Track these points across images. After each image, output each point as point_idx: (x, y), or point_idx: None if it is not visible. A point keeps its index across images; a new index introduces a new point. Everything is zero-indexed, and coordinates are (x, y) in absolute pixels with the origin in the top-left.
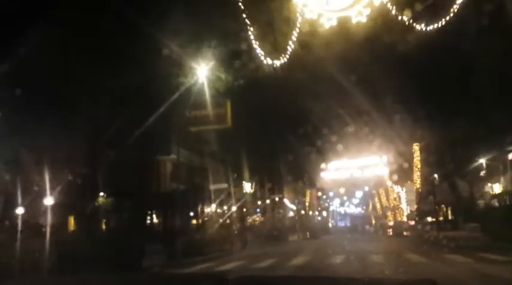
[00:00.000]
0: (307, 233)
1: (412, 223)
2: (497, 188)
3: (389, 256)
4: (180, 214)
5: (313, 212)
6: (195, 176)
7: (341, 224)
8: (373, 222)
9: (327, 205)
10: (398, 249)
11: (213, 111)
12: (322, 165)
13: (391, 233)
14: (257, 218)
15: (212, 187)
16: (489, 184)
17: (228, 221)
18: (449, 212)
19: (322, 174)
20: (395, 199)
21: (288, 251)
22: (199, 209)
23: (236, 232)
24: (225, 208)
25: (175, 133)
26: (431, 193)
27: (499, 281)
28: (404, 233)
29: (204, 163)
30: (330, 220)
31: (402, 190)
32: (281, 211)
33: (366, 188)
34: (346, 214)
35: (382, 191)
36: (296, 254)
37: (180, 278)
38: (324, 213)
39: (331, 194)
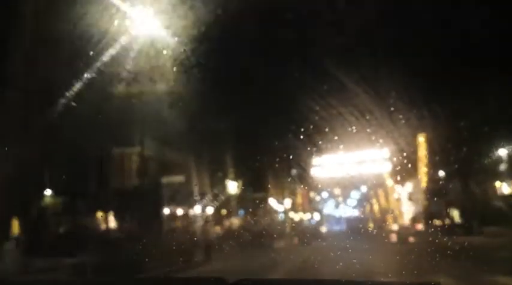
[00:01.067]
0: (296, 239)
1: (420, 226)
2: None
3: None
4: (141, 216)
5: (305, 214)
6: (167, 172)
7: (336, 228)
8: (371, 226)
9: (321, 207)
10: (416, 265)
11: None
12: (315, 160)
13: (392, 240)
14: (237, 222)
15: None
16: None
17: (199, 224)
18: (455, 214)
19: (315, 171)
20: (396, 200)
21: (264, 266)
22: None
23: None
24: (203, 209)
25: (140, 121)
26: (439, 191)
27: None
28: (410, 239)
29: (178, 158)
30: (324, 223)
31: (402, 189)
32: (268, 213)
33: (364, 189)
34: (341, 218)
35: (381, 192)
36: (273, 271)
37: (179, 281)
38: (317, 215)
39: (325, 195)
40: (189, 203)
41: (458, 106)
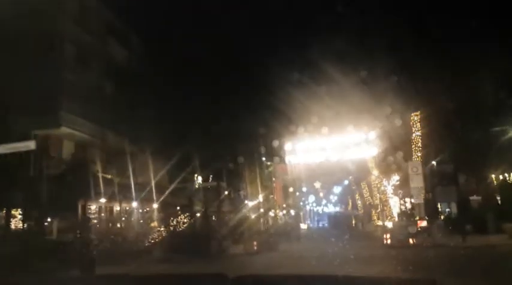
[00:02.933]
0: (254, 244)
1: (424, 223)
2: None
3: None
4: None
5: (279, 210)
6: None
7: (319, 225)
8: (353, 223)
9: (301, 202)
10: None
11: None
12: (287, 146)
13: (388, 241)
14: (185, 221)
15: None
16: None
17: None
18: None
19: (289, 158)
20: (383, 192)
21: None
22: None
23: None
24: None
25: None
26: (441, 179)
27: None
28: (411, 242)
29: (125, 145)
30: (305, 220)
31: (389, 182)
32: (233, 210)
33: (346, 182)
34: (324, 214)
35: (364, 184)
36: None
37: (180, 277)
38: (297, 212)
39: (305, 189)
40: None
41: (464, 76)
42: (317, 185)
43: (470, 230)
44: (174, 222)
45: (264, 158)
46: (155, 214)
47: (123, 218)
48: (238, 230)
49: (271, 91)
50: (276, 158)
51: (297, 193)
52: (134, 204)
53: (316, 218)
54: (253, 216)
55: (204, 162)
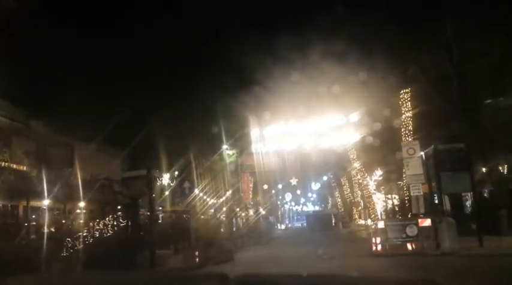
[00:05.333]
0: (195, 255)
1: (427, 223)
2: None
3: None
4: None
5: (248, 209)
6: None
7: (298, 225)
8: (333, 222)
9: (279, 202)
10: None
11: None
12: (254, 131)
13: (378, 247)
14: (117, 223)
15: None
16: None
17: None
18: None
19: (256, 147)
20: (365, 187)
21: None
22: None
23: None
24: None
25: None
26: (446, 164)
27: None
28: (410, 248)
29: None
30: (282, 220)
31: (372, 177)
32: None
33: (325, 178)
34: (303, 212)
35: (345, 180)
36: None
37: (181, 277)
38: (263, 210)
39: (280, 186)
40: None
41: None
42: (293, 181)
43: (476, 230)
44: (101, 225)
45: (225, 147)
46: (82, 215)
47: (34, 222)
48: (182, 236)
49: (233, 67)
50: (241, 147)
51: (273, 191)
52: (45, 202)
53: (295, 218)
54: (210, 216)
55: (145, 150)
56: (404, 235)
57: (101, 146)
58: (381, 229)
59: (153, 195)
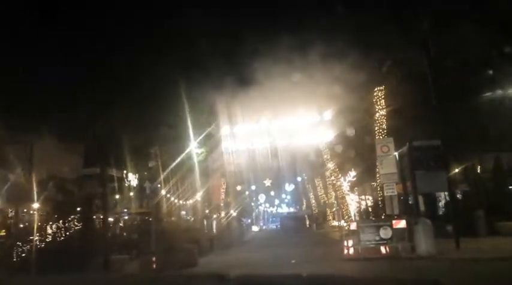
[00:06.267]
0: (152, 261)
1: (402, 224)
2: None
3: None
4: None
5: (216, 210)
6: None
7: (272, 227)
8: (307, 223)
9: (253, 204)
10: None
11: None
12: (224, 130)
13: (351, 251)
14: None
15: None
16: None
17: None
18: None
19: (226, 146)
20: (339, 188)
21: None
22: None
23: None
24: None
25: None
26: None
27: None
28: (384, 251)
29: None
30: (257, 222)
31: (346, 178)
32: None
33: (299, 179)
34: (278, 214)
35: (319, 181)
36: None
37: (181, 277)
38: (234, 212)
39: (253, 187)
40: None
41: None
42: (267, 183)
43: (451, 231)
44: (55, 228)
45: (194, 146)
46: (36, 217)
47: None
48: (144, 240)
49: (201, 64)
50: (210, 146)
51: (247, 192)
52: None
53: (270, 220)
54: (177, 219)
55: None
56: (377, 237)
57: (63, 143)
58: (353, 230)
59: (107, 195)
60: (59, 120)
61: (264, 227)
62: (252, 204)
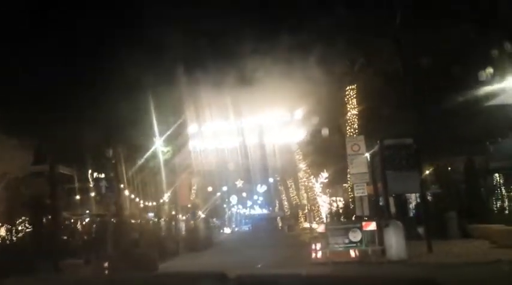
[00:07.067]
0: (104, 266)
1: (372, 226)
2: None
3: None
4: None
5: (184, 211)
6: None
7: (245, 228)
8: (280, 225)
9: (225, 205)
10: None
11: None
12: (191, 128)
13: (318, 254)
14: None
15: None
16: None
17: None
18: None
19: (193, 144)
20: (310, 189)
21: None
22: None
23: None
24: None
25: None
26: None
27: None
28: (353, 255)
29: None
30: (229, 224)
31: (318, 179)
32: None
33: (271, 180)
34: (251, 216)
35: (291, 182)
36: None
37: (180, 276)
38: (202, 214)
39: (224, 188)
40: None
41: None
42: (239, 183)
43: (423, 234)
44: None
45: (159, 143)
46: None
47: None
48: (101, 243)
49: (167, 58)
50: (178, 144)
51: (218, 193)
52: None
53: (243, 221)
54: (140, 221)
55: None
56: (346, 240)
57: (13, 139)
58: (322, 233)
59: (58, 194)
60: (8, 115)
61: (236, 229)
62: (225, 206)
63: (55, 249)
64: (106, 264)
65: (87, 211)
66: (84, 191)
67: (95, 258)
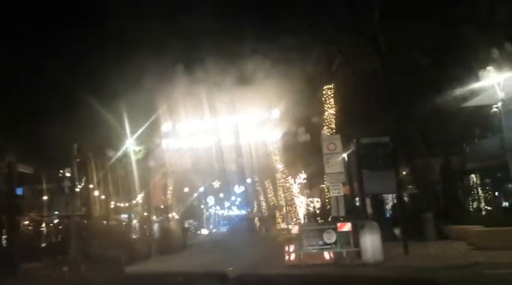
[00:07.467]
0: (64, 271)
1: (347, 227)
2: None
3: None
4: None
5: (157, 212)
6: None
7: (223, 229)
8: (257, 226)
9: (202, 206)
10: None
11: None
12: (164, 127)
13: (292, 258)
14: None
15: None
16: None
17: None
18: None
19: (166, 143)
20: (288, 189)
21: None
22: None
23: None
24: None
25: None
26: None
27: None
28: (327, 257)
29: None
30: (207, 225)
31: (296, 180)
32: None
33: (249, 181)
34: (229, 217)
35: (269, 183)
36: None
37: (181, 276)
38: (176, 215)
39: (201, 189)
40: None
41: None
42: (216, 184)
43: (399, 235)
44: None
45: (131, 142)
46: None
47: None
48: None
49: (141, 55)
50: (150, 143)
51: (195, 194)
52: None
53: (221, 223)
54: (109, 222)
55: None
56: (321, 242)
57: None
58: (296, 234)
59: (13, 193)
60: None
61: (214, 231)
62: (202, 207)
63: (15, 253)
64: (65, 268)
65: (56, 212)
66: (53, 192)
67: (59, 261)
